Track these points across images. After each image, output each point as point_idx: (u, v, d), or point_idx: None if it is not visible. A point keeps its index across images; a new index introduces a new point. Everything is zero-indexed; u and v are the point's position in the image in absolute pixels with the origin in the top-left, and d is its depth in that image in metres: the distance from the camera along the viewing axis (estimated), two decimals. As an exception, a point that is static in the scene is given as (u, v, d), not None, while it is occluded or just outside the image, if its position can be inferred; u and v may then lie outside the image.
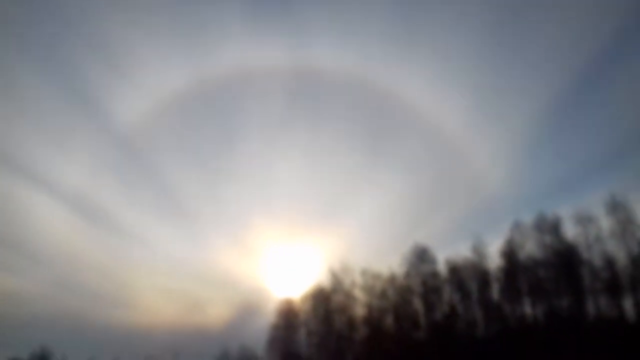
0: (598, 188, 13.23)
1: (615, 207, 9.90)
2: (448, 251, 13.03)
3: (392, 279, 12.49)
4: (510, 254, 11.04)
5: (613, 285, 9.74)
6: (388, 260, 13.91)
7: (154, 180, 23.19)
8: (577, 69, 17.17)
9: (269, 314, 13.92)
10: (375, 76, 18.82)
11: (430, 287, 11.98)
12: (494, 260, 11.37)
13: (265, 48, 20.02)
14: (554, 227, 10.60)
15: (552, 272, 10.45)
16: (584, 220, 10.20)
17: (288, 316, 13.84)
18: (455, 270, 11.84)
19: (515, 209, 15.25)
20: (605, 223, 9.98)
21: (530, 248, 10.83)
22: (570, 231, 10.38)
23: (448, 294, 11.95)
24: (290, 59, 19.61)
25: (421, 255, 12.12)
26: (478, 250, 11.57)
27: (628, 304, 9.64)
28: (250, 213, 19.95)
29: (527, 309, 10.80)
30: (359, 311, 12.87)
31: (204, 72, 20.03)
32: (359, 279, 12.91)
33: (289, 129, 21.64)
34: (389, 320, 12.50)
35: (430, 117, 17.49)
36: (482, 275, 11.42)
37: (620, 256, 9.90)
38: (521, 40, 19.03)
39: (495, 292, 11.33)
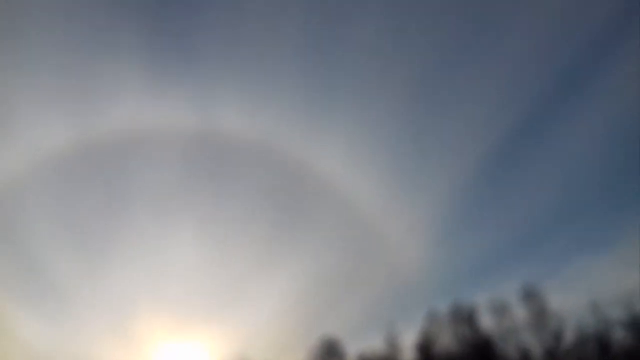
0: (514, 275, 13.12)
1: (530, 296, 9.70)
2: (360, 342, 11.99)
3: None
4: (424, 346, 10.31)
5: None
6: (294, 355, 12.45)
7: (20, 254, 19.77)
8: (491, 150, 17.49)
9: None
10: (286, 145, 17.92)
11: (339, 385, 10.75)
12: (408, 352, 10.55)
13: (164, 108, 18.34)
14: (470, 317, 10.12)
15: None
16: (499, 309, 9.88)
17: None
18: (367, 365, 10.79)
19: (431, 296, 14.67)
20: (520, 313, 9.75)
21: (446, 339, 10.24)
22: (486, 321, 10.00)
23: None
24: (192, 122, 18.10)
25: (330, 349, 10.93)
26: (391, 342, 10.68)
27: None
28: (136, 299, 17.33)
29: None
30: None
31: (93, 132, 17.85)
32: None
33: (186, 201, 19.70)
34: None
35: (345, 196, 16.85)
36: (396, 371, 10.49)
37: (535, 347, 9.62)
38: (441, 116, 19.38)
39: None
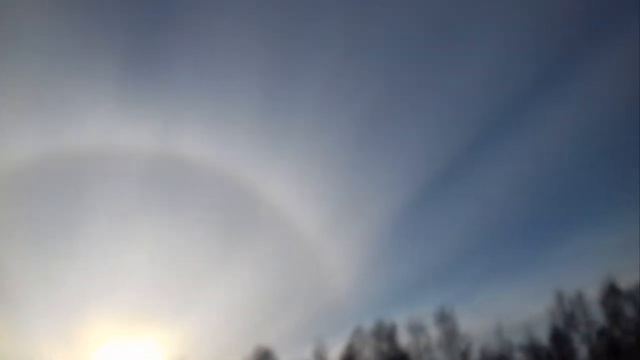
0: (430, 299, 14.54)
1: (443, 318, 10.78)
2: (292, 354, 12.85)
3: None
4: (348, 359, 11.22)
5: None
6: (233, 361, 13.21)
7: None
8: (419, 187, 19.22)
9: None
10: (240, 170, 19.02)
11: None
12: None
13: (130, 129, 19.23)
14: (390, 335, 11.11)
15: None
16: (415, 329, 10.92)
17: None
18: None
19: (357, 314, 15.88)
20: (434, 332, 10.79)
21: (368, 354, 11.17)
22: (404, 338, 11.01)
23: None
24: (154, 144, 19.07)
25: (263, 358, 11.74)
26: (319, 354, 11.57)
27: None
28: (86, 303, 17.87)
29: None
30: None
31: (56, 146, 18.56)
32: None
33: (142, 215, 20.42)
34: None
35: (290, 218, 17.93)
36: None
37: (446, 365, 10.62)
38: (378, 152, 20.96)
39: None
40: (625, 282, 9.85)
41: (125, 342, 15.70)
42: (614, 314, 9.81)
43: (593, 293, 10.00)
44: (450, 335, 10.67)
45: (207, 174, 19.54)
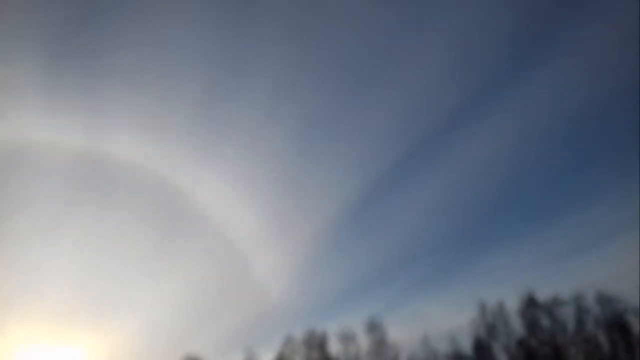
0: (361, 308, 14.90)
1: (373, 327, 10.98)
2: None
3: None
4: None
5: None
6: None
7: None
8: (352, 199, 19.55)
9: None
10: (174, 173, 18.52)
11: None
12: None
13: (57, 126, 18.25)
14: (320, 343, 11.18)
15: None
16: (346, 337, 11.06)
17: None
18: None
19: (289, 322, 15.96)
20: (364, 341, 10.97)
21: None
22: (334, 347, 11.12)
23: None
24: (82, 141, 18.18)
25: None
26: None
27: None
28: (7, 304, 16.81)
29: None
30: None
31: None
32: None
33: (68, 215, 19.42)
34: None
35: (223, 222, 17.67)
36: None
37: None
38: (317, 162, 21.13)
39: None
40: (542, 294, 10.42)
41: (46, 346, 14.91)
42: (531, 325, 10.34)
43: (513, 304, 10.50)
44: (380, 344, 10.88)
45: (137, 174, 18.82)
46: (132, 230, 19.45)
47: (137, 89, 21.43)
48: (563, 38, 18.58)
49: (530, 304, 10.39)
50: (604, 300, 9.92)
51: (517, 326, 10.43)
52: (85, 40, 22.51)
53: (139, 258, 18.37)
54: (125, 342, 14.67)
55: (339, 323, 11.59)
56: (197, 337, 14.59)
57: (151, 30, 20.31)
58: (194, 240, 18.51)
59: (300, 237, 18.54)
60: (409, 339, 11.18)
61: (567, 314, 10.14)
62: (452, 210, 18.86)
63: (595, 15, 17.80)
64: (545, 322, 10.33)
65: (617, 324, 9.85)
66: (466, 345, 10.66)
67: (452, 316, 12.38)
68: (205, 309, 16.06)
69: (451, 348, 10.76)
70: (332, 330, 11.30)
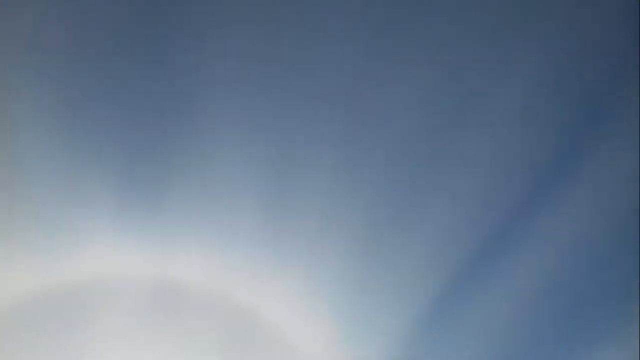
0: None
1: None
2: None
3: None
4: None
5: None
6: None
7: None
8: (426, 300, 17.38)
9: None
10: (237, 290, 17.69)
11: None
12: None
13: (127, 257, 18.06)
14: None
15: None
16: None
17: None
18: None
19: None
20: None
21: None
22: None
23: None
24: (151, 269, 17.81)
25: None
26: None
27: None
28: None
29: None
30: None
31: (51, 278, 17.52)
32: None
33: (140, 343, 18.62)
34: None
35: (293, 341, 16.47)
36: None
37: None
38: (386, 265, 19.49)
39: None
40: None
41: None
42: None
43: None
44: None
45: (205, 295, 18.14)
46: (201, 354, 18.49)
47: (202, 217, 21.46)
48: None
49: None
50: None
51: None
52: (149, 168, 23.21)
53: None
54: None
55: None
56: None
57: (212, 157, 20.82)
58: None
59: (375, 353, 16.77)
60: None
61: None
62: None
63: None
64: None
65: None
66: None
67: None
68: None
69: None
70: None
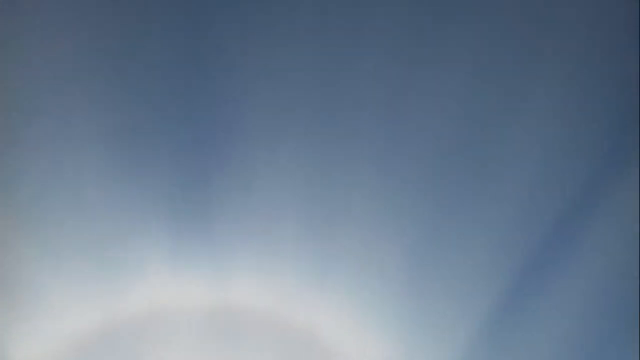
0: None
1: None
2: None
3: None
4: None
5: None
6: None
7: None
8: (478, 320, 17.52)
9: None
10: (294, 314, 18.07)
11: None
12: None
13: (182, 286, 18.86)
14: None
15: None
16: None
17: None
18: None
19: None
20: None
21: None
22: None
23: None
24: (207, 298, 18.49)
25: None
26: None
27: None
28: None
29: None
30: None
31: (111, 312, 18.28)
32: None
33: None
34: None
35: (354, 355, 16.55)
36: None
37: None
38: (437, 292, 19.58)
39: None
40: None
41: None
42: None
43: None
44: None
45: (261, 320, 18.48)
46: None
47: (251, 237, 21.99)
48: None
49: None
50: None
51: None
52: (198, 200, 24.13)
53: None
54: None
55: None
56: None
57: (255, 188, 21.46)
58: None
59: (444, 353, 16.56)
60: None
61: None
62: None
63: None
64: None
65: None
66: None
67: None
68: None
69: None
70: None
